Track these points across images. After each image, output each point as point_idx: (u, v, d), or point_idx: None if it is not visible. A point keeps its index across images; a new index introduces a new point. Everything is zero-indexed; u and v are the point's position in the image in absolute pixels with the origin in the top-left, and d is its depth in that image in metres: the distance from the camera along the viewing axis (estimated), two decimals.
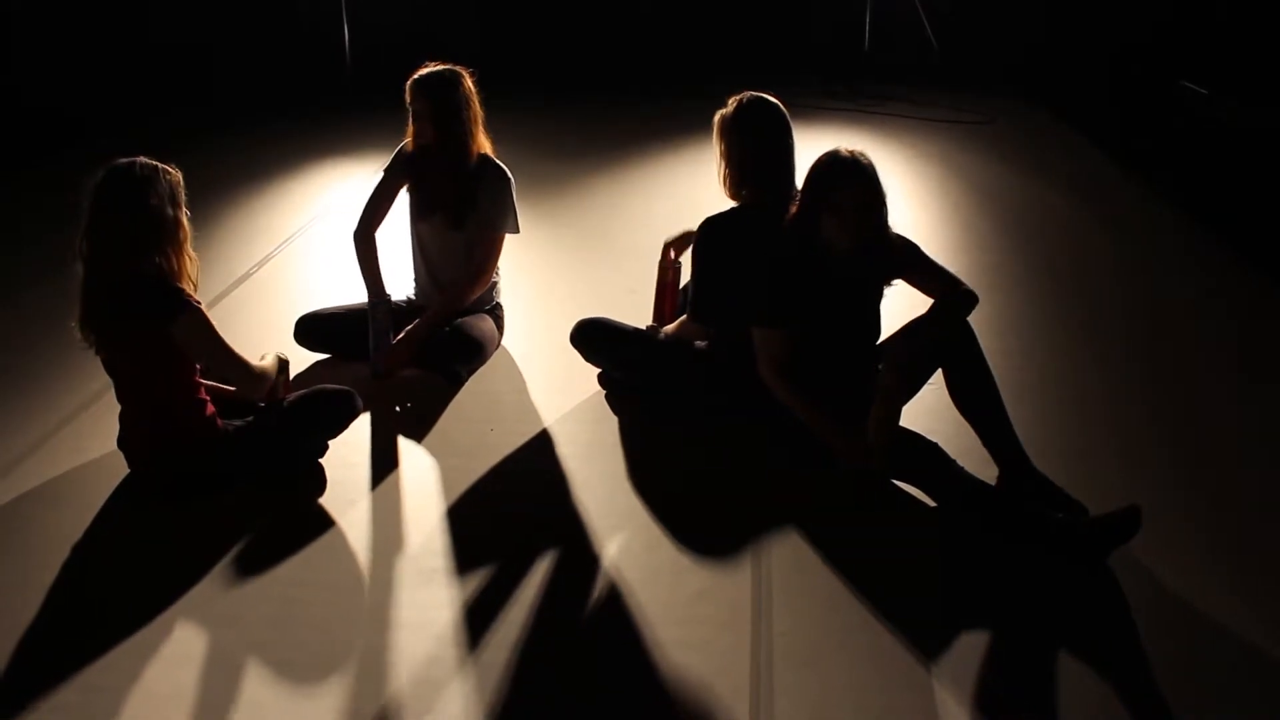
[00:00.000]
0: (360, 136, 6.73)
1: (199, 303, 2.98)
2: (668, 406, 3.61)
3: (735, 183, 3.44)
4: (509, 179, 3.87)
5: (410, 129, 3.87)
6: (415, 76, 3.81)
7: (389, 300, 3.76)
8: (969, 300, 3.13)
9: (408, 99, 3.81)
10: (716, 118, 3.47)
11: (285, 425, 3.21)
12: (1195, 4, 7.59)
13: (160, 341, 2.94)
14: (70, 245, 2.94)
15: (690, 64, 8.38)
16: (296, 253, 5.04)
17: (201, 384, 3.12)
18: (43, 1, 7.19)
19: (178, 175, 3.00)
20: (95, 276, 2.93)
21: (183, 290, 2.96)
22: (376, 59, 8.05)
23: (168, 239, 2.94)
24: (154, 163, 2.97)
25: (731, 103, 3.46)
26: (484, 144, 3.88)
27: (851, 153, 3.12)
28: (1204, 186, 5.92)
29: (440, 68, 3.82)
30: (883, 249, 3.19)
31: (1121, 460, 3.32)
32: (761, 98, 3.46)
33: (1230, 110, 6.96)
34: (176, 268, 2.97)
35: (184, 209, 3.00)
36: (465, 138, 3.80)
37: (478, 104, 3.84)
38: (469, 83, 3.81)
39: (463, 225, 3.86)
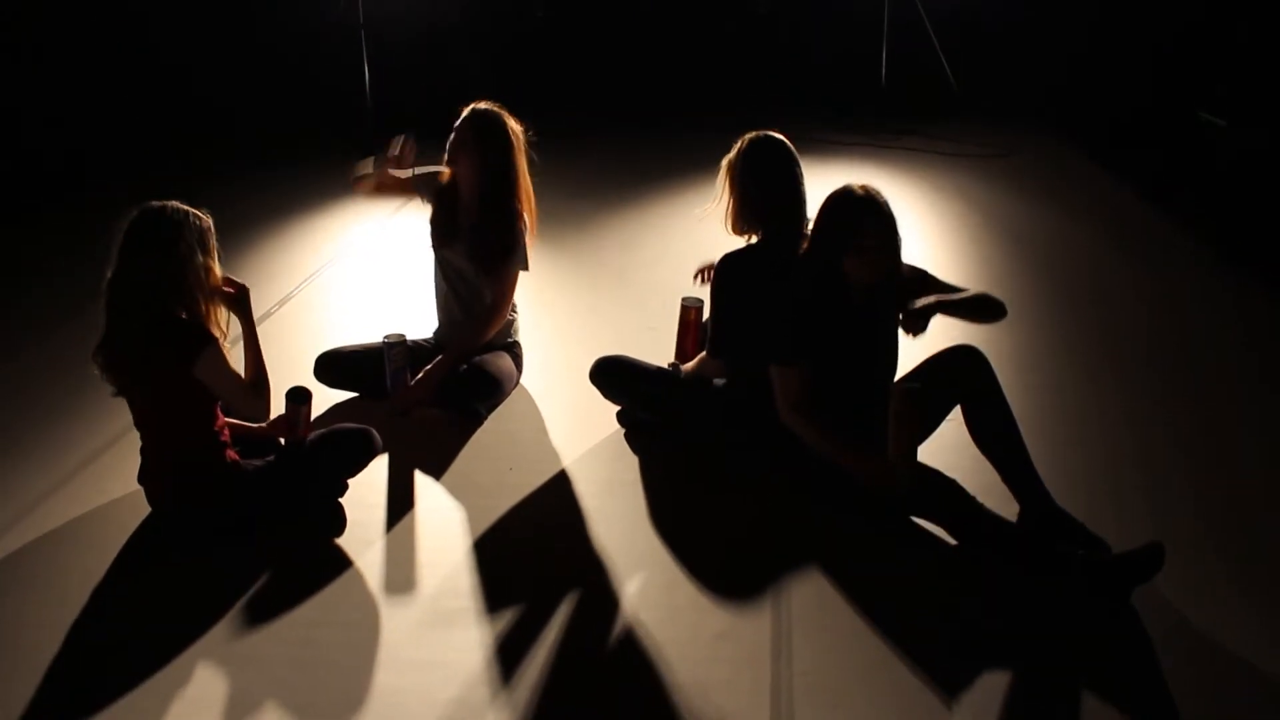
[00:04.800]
0: None
1: (218, 340, 3.00)
2: (687, 444, 3.61)
3: (745, 221, 3.46)
4: (525, 221, 3.90)
5: (445, 159, 3.92)
6: (465, 111, 3.86)
7: (404, 339, 3.78)
8: (996, 303, 3.13)
9: (454, 126, 3.86)
10: (725, 159, 3.49)
11: (305, 465, 3.22)
12: (1214, 34, 7.60)
13: (182, 381, 2.96)
14: (91, 287, 2.97)
15: (705, 99, 8.41)
16: (317, 291, 5.07)
17: (225, 423, 3.14)
18: (61, 42, 7.29)
19: (209, 220, 3.03)
20: (121, 318, 2.96)
21: (206, 330, 2.98)
22: (397, 98, 8.12)
23: (196, 286, 2.97)
24: (185, 208, 2.98)
25: (739, 142, 3.48)
26: (526, 186, 3.91)
27: (865, 189, 3.13)
28: (1223, 215, 5.91)
29: (488, 106, 3.87)
30: (898, 281, 3.20)
31: (1144, 496, 3.29)
32: (769, 135, 3.47)
33: (1247, 139, 6.95)
34: (204, 313, 3.00)
35: (215, 255, 3.02)
36: (509, 173, 3.84)
37: (523, 151, 3.87)
38: (515, 125, 3.86)
39: (482, 261, 3.88)
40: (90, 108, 7.31)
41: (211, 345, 2.96)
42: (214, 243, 3.03)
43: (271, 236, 5.83)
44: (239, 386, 3.08)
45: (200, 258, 2.97)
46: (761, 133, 3.49)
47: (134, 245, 2.93)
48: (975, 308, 3.17)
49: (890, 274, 3.16)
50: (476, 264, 3.90)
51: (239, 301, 3.18)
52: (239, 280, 3.20)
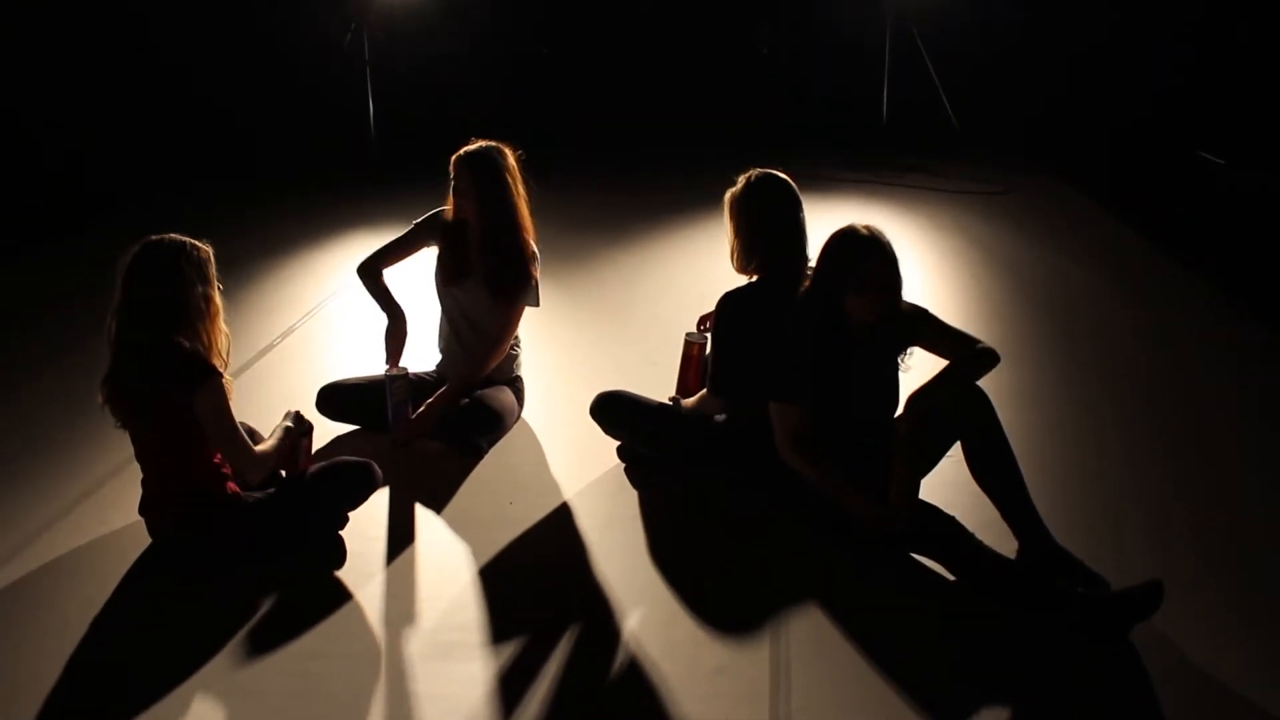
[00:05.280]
0: (383, 209, 6.79)
1: (222, 376, 3.02)
2: (687, 479, 3.61)
3: (746, 258, 3.48)
4: (534, 254, 3.93)
5: (450, 200, 3.94)
6: (460, 153, 3.87)
7: (406, 373, 3.79)
8: (986, 356, 3.13)
9: (451, 174, 3.88)
10: (726, 195, 3.51)
11: (305, 497, 3.23)
12: (1212, 76, 7.66)
13: (183, 410, 2.97)
14: (96, 318, 2.99)
15: (708, 136, 8.46)
16: (320, 324, 5.09)
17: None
18: (68, 77, 7.33)
19: (208, 251, 3.08)
20: (124, 350, 2.99)
21: (210, 364, 3.00)
22: (400, 132, 8.18)
23: (196, 315, 3.00)
24: (183, 239, 3.03)
25: (740, 180, 3.50)
26: (527, 221, 3.92)
27: (869, 229, 3.15)
28: (1222, 254, 5.93)
29: (484, 144, 3.88)
30: (897, 319, 3.21)
31: (1144, 533, 3.29)
32: (770, 173, 3.50)
33: (1246, 178, 6.99)
34: (207, 343, 3.03)
35: (215, 284, 3.06)
36: (511, 213, 3.86)
37: (521, 183, 3.89)
38: (512, 160, 3.88)
39: (497, 291, 3.90)
40: (90, 110, 7.31)
41: (214, 379, 2.98)
42: (213, 272, 3.07)
43: (275, 269, 5.86)
44: (236, 436, 3.04)
45: (200, 287, 3.01)
46: (763, 171, 3.52)
47: (135, 277, 2.98)
48: (966, 372, 3.12)
49: (891, 312, 3.18)
50: (492, 296, 3.91)
51: (301, 433, 3.22)
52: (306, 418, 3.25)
